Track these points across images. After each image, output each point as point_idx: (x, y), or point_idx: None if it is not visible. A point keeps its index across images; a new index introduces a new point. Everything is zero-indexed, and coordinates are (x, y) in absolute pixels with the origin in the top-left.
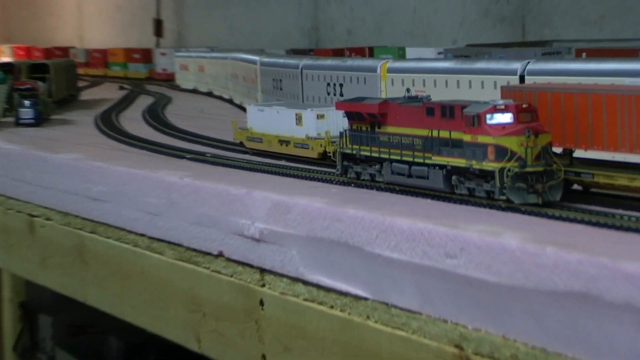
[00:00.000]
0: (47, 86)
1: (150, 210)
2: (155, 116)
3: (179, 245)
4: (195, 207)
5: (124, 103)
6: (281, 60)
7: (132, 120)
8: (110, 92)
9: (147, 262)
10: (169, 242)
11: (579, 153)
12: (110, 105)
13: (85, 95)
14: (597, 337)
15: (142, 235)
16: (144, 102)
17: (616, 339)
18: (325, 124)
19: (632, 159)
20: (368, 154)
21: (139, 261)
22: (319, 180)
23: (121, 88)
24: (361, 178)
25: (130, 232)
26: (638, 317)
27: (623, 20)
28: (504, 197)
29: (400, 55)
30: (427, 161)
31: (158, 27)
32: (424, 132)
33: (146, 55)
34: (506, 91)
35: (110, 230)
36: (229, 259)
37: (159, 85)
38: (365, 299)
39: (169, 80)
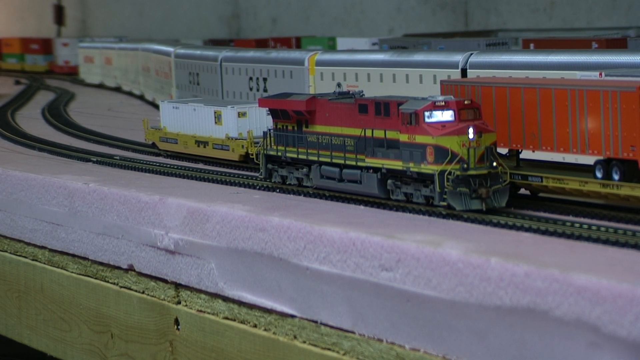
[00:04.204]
0: None
1: (51, 220)
2: (56, 114)
3: (84, 258)
4: (102, 216)
5: (21, 99)
6: (198, 52)
7: (31, 119)
8: (4, 87)
9: (48, 278)
10: (73, 255)
11: (526, 154)
12: (5, 102)
13: None
14: (546, 356)
15: (42, 247)
16: (43, 98)
17: (567, 358)
18: (247, 122)
19: (584, 160)
20: (295, 156)
21: (38, 277)
22: (240, 185)
23: (17, 82)
24: (287, 183)
25: (28, 244)
26: (590, 334)
27: (575, 8)
28: (444, 203)
29: (331, 46)
30: (360, 164)
31: (59, 14)
32: (357, 132)
33: (46, 46)
34: (447, 86)
35: (5, 243)
36: (140, 274)
37: (60, 79)
38: (292, 316)
39: (71, 73)
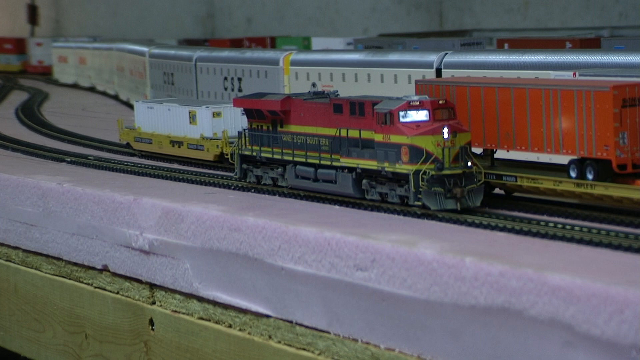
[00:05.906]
0: None
1: (24, 220)
2: (30, 114)
3: (58, 258)
4: (76, 216)
5: None
6: (173, 52)
7: (4, 119)
8: None
9: (22, 278)
10: (47, 256)
11: (500, 154)
12: None
13: None
14: (521, 355)
15: (16, 248)
16: (17, 98)
17: (541, 357)
18: (222, 122)
19: (558, 160)
20: (269, 155)
21: (11, 277)
22: (215, 185)
23: None
24: (262, 182)
25: (1, 244)
26: (564, 333)
27: (549, 8)
28: (419, 203)
29: (305, 46)
30: (334, 163)
31: (32, 14)
32: (332, 132)
33: (19, 46)
34: (421, 86)
35: None
36: (114, 274)
37: (34, 79)
38: (267, 316)
39: (45, 73)
